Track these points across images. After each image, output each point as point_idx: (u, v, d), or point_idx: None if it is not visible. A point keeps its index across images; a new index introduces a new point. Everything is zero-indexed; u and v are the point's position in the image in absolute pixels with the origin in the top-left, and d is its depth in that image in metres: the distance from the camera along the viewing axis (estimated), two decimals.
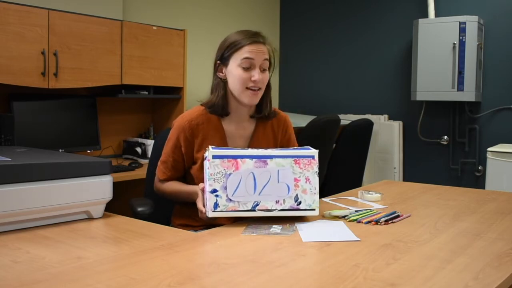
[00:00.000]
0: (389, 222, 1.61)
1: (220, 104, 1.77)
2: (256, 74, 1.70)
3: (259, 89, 1.73)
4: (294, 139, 1.95)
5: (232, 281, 1.08)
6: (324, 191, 2.87)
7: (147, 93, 3.48)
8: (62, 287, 1.05)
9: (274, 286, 1.07)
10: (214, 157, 1.52)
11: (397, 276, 1.12)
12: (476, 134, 4.18)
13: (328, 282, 1.09)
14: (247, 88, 1.72)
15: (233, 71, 1.72)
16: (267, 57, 1.74)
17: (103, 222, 1.61)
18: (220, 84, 1.77)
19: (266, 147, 1.84)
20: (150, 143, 3.35)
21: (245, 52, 1.70)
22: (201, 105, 1.82)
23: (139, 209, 1.94)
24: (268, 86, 1.81)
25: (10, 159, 1.51)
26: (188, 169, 1.84)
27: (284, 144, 1.91)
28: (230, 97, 1.78)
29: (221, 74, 1.77)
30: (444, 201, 1.99)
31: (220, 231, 1.51)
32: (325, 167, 3.67)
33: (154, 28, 3.47)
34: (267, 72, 1.76)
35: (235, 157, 1.53)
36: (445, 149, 4.34)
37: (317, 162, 1.57)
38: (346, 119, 4.15)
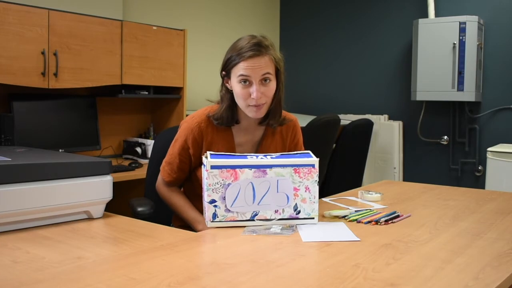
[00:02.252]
0: (389, 222, 1.61)
1: (225, 116, 1.73)
2: (254, 92, 1.63)
3: (263, 104, 1.67)
4: (301, 143, 1.92)
5: (232, 281, 1.08)
6: (324, 191, 2.87)
7: (147, 93, 3.48)
8: (62, 287, 1.05)
9: (274, 286, 1.07)
10: (213, 167, 1.50)
11: (397, 276, 1.12)
12: (476, 134, 4.18)
13: (328, 282, 1.09)
14: (249, 104, 1.67)
15: (234, 87, 1.68)
16: (267, 70, 1.64)
17: (103, 222, 1.61)
18: (226, 96, 1.73)
19: (274, 152, 1.82)
20: (150, 143, 3.35)
21: (240, 69, 1.63)
22: (208, 116, 1.76)
23: (139, 209, 1.94)
24: (277, 96, 1.72)
25: (10, 159, 1.51)
26: (193, 169, 1.82)
27: (291, 148, 1.88)
28: (238, 106, 1.74)
29: (227, 85, 1.73)
30: (444, 201, 1.99)
31: (220, 231, 1.50)
32: (325, 167, 3.67)
33: (154, 28, 3.47)
34: (272, 82, 1.67)
35: (233, 167, 1.51)
36: (445, 149, 4.34)
37: (317, 170, 1.56)
38: (346, 119, 4.15)
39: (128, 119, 3.72)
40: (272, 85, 1.68)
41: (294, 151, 1.88)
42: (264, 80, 1.65)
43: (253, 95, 1.63)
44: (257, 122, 1.79)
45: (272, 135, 1.84)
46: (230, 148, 1.77)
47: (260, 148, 1.82)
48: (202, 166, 1.59)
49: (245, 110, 1.70)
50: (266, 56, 1.64)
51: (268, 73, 1.64)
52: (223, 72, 1.72)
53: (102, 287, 1.04)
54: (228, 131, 1.78)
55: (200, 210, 1.76)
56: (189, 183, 1.87)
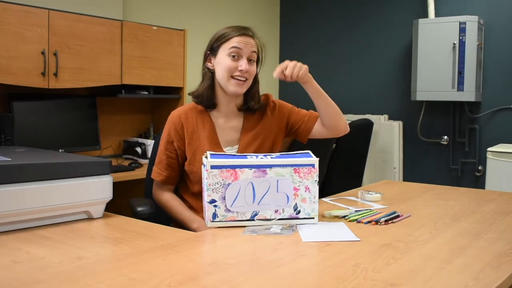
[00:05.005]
0: (389, 222, 1.61)
1: (205, 94, 1.80)
2: (243, 64, 1.74)
3: (246, 79, 1.76)
4: (295, 108, 1.94)
5: (232, 281, 1.08)
6: (324, 191, 2.87)
7: (147, 93, 3.49)
8: (62, 287, 1.05)
9: (274, 286, 1.07)
10: (213, 167, 1.51)
11: (397, 276, 1.12)
12: (476, 134, 4.18)
13: (328, 282, 1.09)
14: (233, 77, 1.75)
15: (221, 61, 1.76)
16: (255, 49, 1.78)
17: (103, 222, 1.61)
18: (208, 75, 1.81)
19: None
20: (150, 143, 3.36)
21: (233, 42, 1.74)
22: (188, 94, 1.87)
23: (139, 209, 1.94)
24: (256, 80, 1.84)
25: (10, 159, 1.51)
26: (182, 165, 1.84)
27: (293, 118, 1.90)
28: (218, 88, 1.81)
29: (209, 64, 1.81)
30: (444, 201, 1.99)
31: (220, 231, 1.50)
32: (325, 167, 3.67)
33: (154, 28, 3.47)
34: (255, 65, 1.80)
35: (233, 167, 1.51)
36: (445, 149, 4.34)
37: (317, 170, 1.56)
38: (346, 119, 4.14)
39: (128, 119, 3.72)
40: (255, 67, 1.81)
41: (297, 117, 1.90)
42: (249, 60, 1.76)
43: (241, 67, 1.74)
44: (237, 107, 1.84)
45: (253, 120, 1.87)
46: (211, 135, 1.80)
47: (243, 133, 1.84)
48: (202, 166, 1.59)
49: (227, 83, 1.76)
50: (254, 39, 1.79)
51: (255, 52, 1.79)
52: (208, 52, 1.81)
53: (102, 287, 1.04)
54: (208, 119, 1.82)
55: (196, 207, 1.77)
56: (182, 182, 1.88)
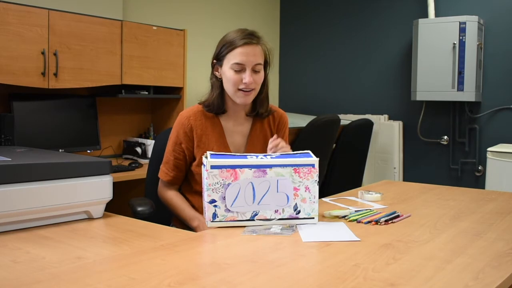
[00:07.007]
0: (389, 222, 1.61)
1: (216, 103, 1.80)
2: (247, 77, 1.71)
3: (252, 90, 1.75)
4: (286, 138, 1.96)
5: (232, 281, 1.08)
6: (324, 191, 2.87)
7: (147, 93, 3.48)
8: (62, 287, 1.05)
9: (274, 286, 1.07)
10: (213, 167, 1.51)
11: (397, 276, 1.12)
12: (476, 134, 4.17)
13: (328, 282, 1.09)
14: (239, 89, 1.74)
15: (226, 73, 1.75)
16: (259, 61, 1.74)
17: (103, 222, 1.61)
18: (216, 84, 1.80)
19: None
20: (150, 143, 3.36)
21: (236, 54, 1.71)
22: (199, 103, 1.84)
23: (139, 209, 1.94)
24: (264, 84, 1.82)
25: (10, 159, 1.51)
26: (189, 165, 1.85)
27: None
28: (227, 95, 1.80)
29: (217, 73, 1.80)
30: (444, 201, 1.99)
31: (220, 231, 1.50)
32: (325, 167, 3.67)
33: (154, 28, 3.47)
34: (261, 72, 1.77)
35: (233, 167, 1.51)
36: (445, 149, 4.34)
37: (317, 170, 1.56)
38: (346, 119, 4.15)
39: (128, 119, 3.72)
40: (262, 74, 1.77)
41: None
42: (254, 70, 1.73)
43: (245, 80, 1.71)
44: (246, 113, 1.85)
45: (260, 126, 1.88)
46: (220, 138, 1.81)
47: (250, 138, 1.85)
48: (202, 166, 1.59)
49: (234, 95, 1.76)
50: (258, 46, 1.75)
51: (259, 64, 1.74)
52: (214, 61, 1.80)
53: (102, 287, 1.04)
54: (218, 123, 1.83)
55: (198, 207, 1.77)
56: (186, 181, 1.88)
